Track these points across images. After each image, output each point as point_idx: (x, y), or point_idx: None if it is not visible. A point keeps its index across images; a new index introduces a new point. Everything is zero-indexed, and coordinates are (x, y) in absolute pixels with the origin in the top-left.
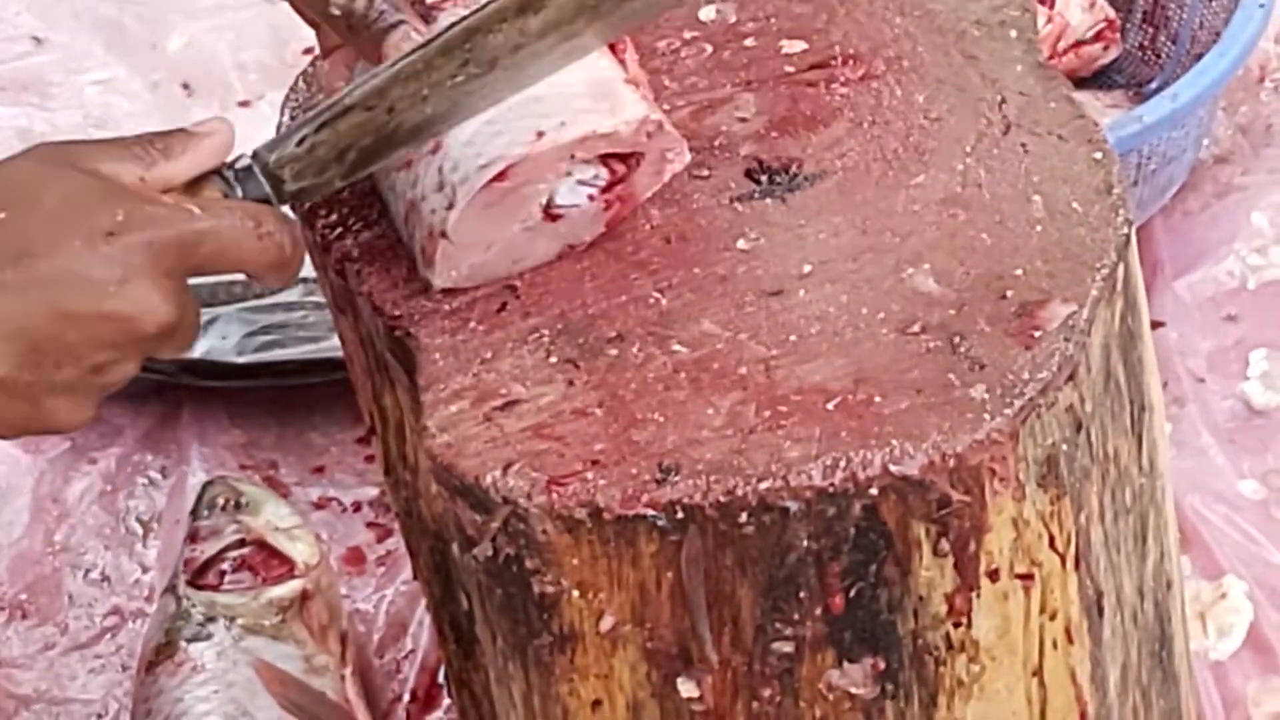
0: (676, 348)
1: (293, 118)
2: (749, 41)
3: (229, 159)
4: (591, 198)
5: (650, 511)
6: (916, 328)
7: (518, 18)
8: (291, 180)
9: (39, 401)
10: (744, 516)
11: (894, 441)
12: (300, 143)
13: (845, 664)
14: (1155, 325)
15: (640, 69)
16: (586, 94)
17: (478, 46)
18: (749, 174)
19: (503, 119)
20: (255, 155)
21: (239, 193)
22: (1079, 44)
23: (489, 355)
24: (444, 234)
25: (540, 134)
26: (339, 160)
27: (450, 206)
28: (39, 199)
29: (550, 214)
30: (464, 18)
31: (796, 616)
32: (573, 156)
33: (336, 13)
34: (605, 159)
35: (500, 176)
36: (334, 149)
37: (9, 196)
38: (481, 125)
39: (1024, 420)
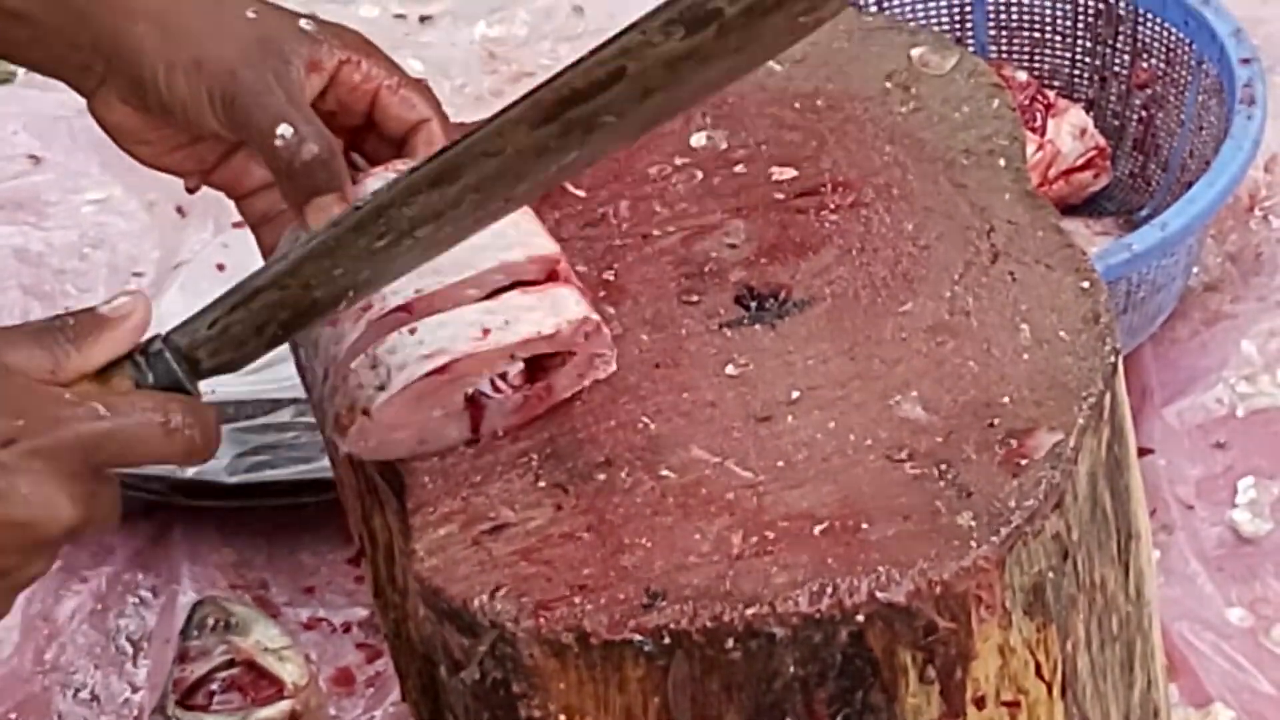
0: (665, 473)
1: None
2: (739, 168)
3: (142, 340)
4: (515, 388)
5: (637, 637)
6: (904, 455)
7: (433, 189)
8: (209, 359)
9: None
10: (731, 642)
11: (881, 568)
12: (212, 325)
13: None
14: (1144, 452)
15: (570, 268)
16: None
17: (392, 219)
18: (738, 300)
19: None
20: (166, 340)
21: (150, 378)
22: (1069, 171)
23: (478, 479)
24: (366, 412)
25: (486, 331)
26: (258, 334)
27: (382, 388)
28: None
29: (473, 405)
30: (376, 194)
31: None
32: (512, 356)
33: (279, 144)
34: (531, 359)
35: (441, 370)
36: (249, 327)
37: None
38: None
39: (1010, 548)
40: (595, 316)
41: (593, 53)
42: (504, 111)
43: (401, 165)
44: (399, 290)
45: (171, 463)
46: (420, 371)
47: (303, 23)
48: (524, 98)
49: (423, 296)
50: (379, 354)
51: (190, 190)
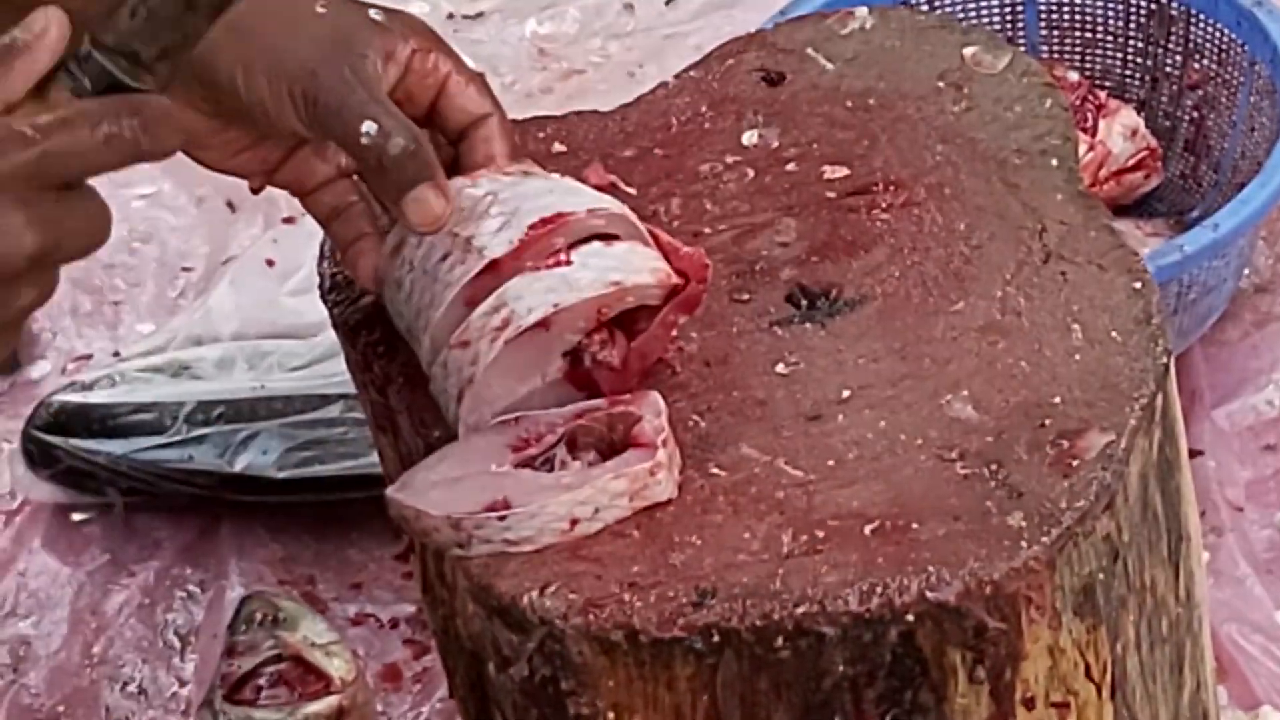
0: (715, 471)
1: (335, 255)
2: (791, 166)
3: (77, 50)
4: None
5: (686, 635)
6: (954, 455)
7: None
8: (147, 46)
9: None
10: (780, 641)
11: (931, 568)
12: (134, 14)
13: None
14: (1194, 454)
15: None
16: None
17: None
18: (789, 298)
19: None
20: (94, 41)
21: (86, 84)
22: (1120, 172)
23: None
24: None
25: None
26: (190, 7)
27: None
28: None
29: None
30: None
31: None
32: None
33: (366, 142)
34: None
35: (543, 324)
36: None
37: None
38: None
39: (1061, 549)
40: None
41: None
42: None
43: (486, 174)
44: (535, 307)
45: (117, 167)
46: (529, 322)
47: (372, 13)
48: None
49: (561, 311)
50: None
51: (255, 191)
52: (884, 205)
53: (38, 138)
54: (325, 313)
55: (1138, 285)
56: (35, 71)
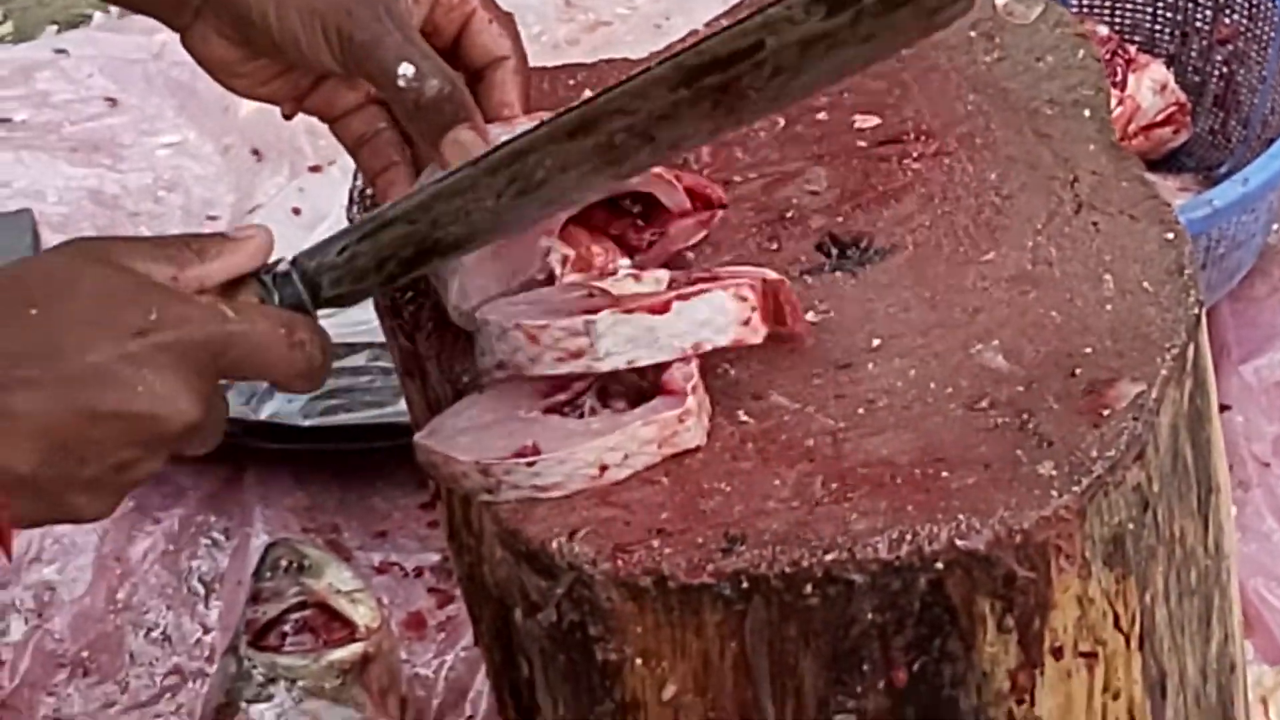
0: (744, 418)
1: (365, 187)
2: (822, 115)
3: (269, 263)
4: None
5: (715, 581)
6: (985, 403)
7: (569, 140)
8: (329, 287)
9: (60, 498)
10: (809, 588)
11: (961, 516)
12: (341, 252)
13: None
14: (1221, 409)
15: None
16: None
17: (526, 166)
18: (819, 247)
19: None
20: (294, 261)
21: (276, 298)
22: (1149, 126)
23: None
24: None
25: None
26: (378, 269)
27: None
28: (72, 295)
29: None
30: (512, 139)
31: (859, 689)
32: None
33: (402, 84)
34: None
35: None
36: (374, 259)
37: (41, 292)
38: None
39: (1091, 498)
40: None
41: (737, 21)
42: (647, 70)
43: (527, 123)
44: None
45: (285, 379)
46: None
47: None
48: (668, 58)
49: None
50: None
51: (286, 117)
52: (915, 155)
53: (235, 318)
54: None
55: (1170, 236)
56: (235, 267)
